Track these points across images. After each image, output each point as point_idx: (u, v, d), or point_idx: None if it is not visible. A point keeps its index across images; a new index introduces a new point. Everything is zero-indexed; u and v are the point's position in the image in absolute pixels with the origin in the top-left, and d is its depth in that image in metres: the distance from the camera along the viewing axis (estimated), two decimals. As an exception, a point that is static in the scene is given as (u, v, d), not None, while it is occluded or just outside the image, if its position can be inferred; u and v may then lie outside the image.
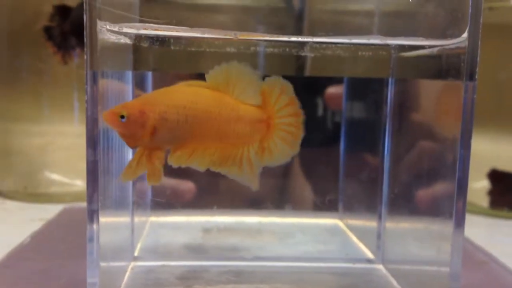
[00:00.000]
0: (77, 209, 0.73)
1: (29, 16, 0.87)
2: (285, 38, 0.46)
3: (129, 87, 0.51)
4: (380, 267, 0.55)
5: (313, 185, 0.70)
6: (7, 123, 0.89)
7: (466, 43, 0.40)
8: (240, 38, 0.44)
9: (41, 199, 0.86)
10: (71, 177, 0.89)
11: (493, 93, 0.88)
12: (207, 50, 0.52)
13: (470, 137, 0.40)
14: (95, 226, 0.39)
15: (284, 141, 0.44)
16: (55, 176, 0.89)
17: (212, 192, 0.68)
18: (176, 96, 0.41)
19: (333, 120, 0.68)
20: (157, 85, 0.63)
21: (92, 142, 0.38)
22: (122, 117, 0.39)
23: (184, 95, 0.41)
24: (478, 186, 0.89)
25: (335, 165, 0.68)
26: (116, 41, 0.44)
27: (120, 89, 0.48)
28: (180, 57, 0.55)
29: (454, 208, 0.40)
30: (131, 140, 0.40)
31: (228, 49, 0.51)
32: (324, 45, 0.49)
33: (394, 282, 0.51)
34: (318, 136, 0.69)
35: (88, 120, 0.38)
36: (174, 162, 0.41)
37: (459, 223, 0.40)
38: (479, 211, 0.88)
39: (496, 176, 0.91)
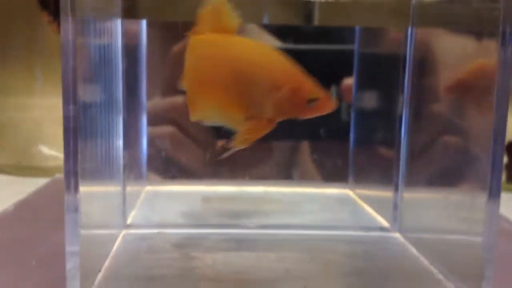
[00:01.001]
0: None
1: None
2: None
3: (117, 38, 0.46)
4: (397, 235, 0.50)
5: (322, 155, 0.65)
6: (-2, 96, 0.85)
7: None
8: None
9: (34, 173, 0.82)
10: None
11: None
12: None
13: (507, 94, 0.35)
14: (72, 190, 0.33)
15: None
16: (48, 150, 0.85)
17: (216, 162, 0.64)
18: None
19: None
20: (152, 36, 0.58)
21: (68, 95, 0.33)
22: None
23: None
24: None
25: (345, 132, 0.63)
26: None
27: (106, 39, 0.42)
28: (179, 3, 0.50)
29: (490, 172, 0.35)
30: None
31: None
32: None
33: (413, 250, 0.46)
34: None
35: (64, 72, 0.33)
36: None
37: (496, 190, 0.36)
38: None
39: (512, 149, 0.86)
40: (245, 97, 0.38)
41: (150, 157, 0.60)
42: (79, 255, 0.33)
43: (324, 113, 0.38)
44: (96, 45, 0.39)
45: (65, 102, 0.33)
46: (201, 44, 0.39)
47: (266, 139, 0.53)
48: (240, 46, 0.39)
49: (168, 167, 0.62)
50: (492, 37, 0.35)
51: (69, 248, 0.33)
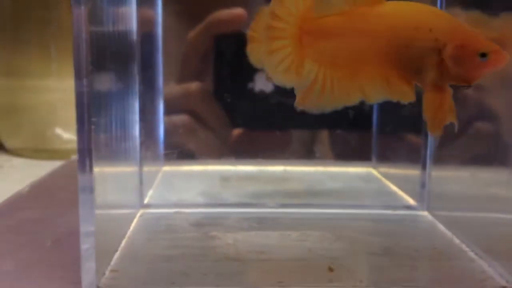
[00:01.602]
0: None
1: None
2: None
3: (131, 7, 0.44)
4: (425, 213, 0.48)
5: (345, 133, 0.63)
6: (13, 79, 0.83)
7: None
8: None
9: (50, 156, 0.81)
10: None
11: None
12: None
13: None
14: (87, 169, 0.31)
15: None
16: (64, 133, 0.84)
17: (232, 142, 0.62)
18: None
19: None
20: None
21: (81, 70, 0.31)
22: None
23: None
24: None
25: (367, 111, 0.61)
26: None
27: (118, 9, 0.41)
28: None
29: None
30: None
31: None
32: None
33: (443, 228, 0.44)
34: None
35: (75, 43, 0.31)
36: None
37: None
38: None
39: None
40: (406, 65, 0.34)
41: (167, 137, 0.59)
42: (94, 235, 0.32)
43: (500, 67, 0.33)
44: (110, 22, 0.37)
45: (77, 77, 0.31)
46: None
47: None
48: (388, 12, 0.35)
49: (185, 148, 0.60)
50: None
51: (83, 228, 0.32)
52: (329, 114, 0.60)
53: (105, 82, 0.36)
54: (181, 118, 0.60)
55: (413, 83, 0.35)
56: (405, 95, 0.35)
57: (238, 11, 0.57)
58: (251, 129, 0.63)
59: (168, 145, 0.59)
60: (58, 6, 0.81)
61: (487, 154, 0.39)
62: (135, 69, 0.45)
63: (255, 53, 0.38)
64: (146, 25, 0.52)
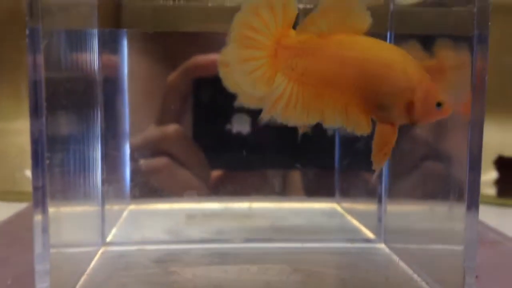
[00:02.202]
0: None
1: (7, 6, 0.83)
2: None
3: (93, 50, 0.46)
4: (382, 245, 0.49)
5: (309, 170, 0.65)
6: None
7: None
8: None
9: (19, 198, 0.81)
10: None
11: (498, 77, 0.82)
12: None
13: (483, 103, 0.34)
14: (40, 208, 0.32)
15: None
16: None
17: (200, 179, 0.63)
18: None
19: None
20: (134, 46, 0.57)
21: (37, 108, 0.32)
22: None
23: None
24: (485, 175, 0.83)
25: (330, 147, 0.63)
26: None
27: (79, 52, 0.42)
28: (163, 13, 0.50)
29: (467, 180, 0.35)
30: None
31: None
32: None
33: (397, 259, 0.45)
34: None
35: (31, 86, 0.31)
36: None
37: (474, 198, 0.35)
38: (486, 201, 0.81)
39: (503, 163, 0.85)
40: (371, 99, 0.36)
41: (133, 175, 0.60)
42: (49, 274, 0.32)
43: (445, 116, 0.36)
44: (68, 57, 0.39)
45: (32, 116, 0.32)
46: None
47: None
48: (366, 45, 0.36)
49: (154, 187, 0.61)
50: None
51: (38, 267, 0.32)
52: (295, 152, 0.63)
53: (62, 122, 0.37)
54: (158, 160, 0.61)
55: (370, 117, 0.36)
56: (360, 127, 0.36)
57: (215, 56, 0.59)
58: (219, 168, 0.64)
59: (135, 184, 0.60)
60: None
61: (439, 191, 0.41)
62: (97, 109, 0.46)
63: (230, 77, 0.39)
64: (109, 67, 0.54)
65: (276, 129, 0.62)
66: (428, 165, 0.43)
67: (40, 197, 0.32)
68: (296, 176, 0.65)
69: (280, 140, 0.63)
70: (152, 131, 0.61)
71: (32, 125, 0.32)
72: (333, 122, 0.36)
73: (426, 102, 0.35)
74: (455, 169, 0.38)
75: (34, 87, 0.31)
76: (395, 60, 0.36)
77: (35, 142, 0.31)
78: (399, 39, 0.47)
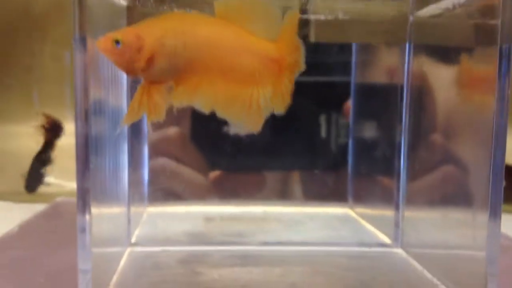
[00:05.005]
0: (69, 202, 0.69)
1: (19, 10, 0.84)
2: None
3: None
4: (399, 250, 0.51)
5: (321, 175, 0.66)
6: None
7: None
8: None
9: (32, 199, 0.82)
10: (63, 178, 0.84)
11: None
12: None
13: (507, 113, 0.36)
14: (87, 209, 0.33)
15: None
16: (47, 177, 0.85)
17: (214, 183, 0.64)
18: (175, 21, 0.36)
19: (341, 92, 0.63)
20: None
21: (83, 113, 0.34)
22: (117, 42, 0.35)
23: (184, 20, 0.36)
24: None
25: (344, 151, 0.64)
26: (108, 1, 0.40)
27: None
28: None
29: (490, 187, 0.36)
30: (129, 69, 0.35)
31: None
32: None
33: (416, 264, 0.47)
34: (323, 113, 0.64)
35: (77, 90, 0.33)
36: (176, 99, 0.36)
37: (497, 204, 0.37)
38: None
39: (508, 171, 0.87)
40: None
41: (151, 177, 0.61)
42: (91, 273, 0.34)
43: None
44: (106, 63, 0.40)
45: (79, 118, 0.33)
46: None
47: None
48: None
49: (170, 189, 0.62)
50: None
51: (81, 266, 0.34)
52: (307, 156, 0.64)
53: (102, 125, 0.38)
54: (171, 130, 0.62)
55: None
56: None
57: None
58: (229, 171, 0.65)
59: (154, 186, 0.61)
60: (42, 54, 0.84)
61: (456, 196, 0.42)
62: (124, 101, 0.48)
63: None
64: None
65: (291, 134, 0.64)
66: (447, 170, 0.45)
67: (85, 199, 0.33)
68: (308, 180, 0.66)
69: (295, 144, 0.64)
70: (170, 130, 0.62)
71: (77, 127, 0.33)
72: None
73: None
74: (475, 175, 0.39)
75: (81, 92, 0.33)
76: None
77: (81, 146, 0.33)
78: (418, 50, 0.49)
